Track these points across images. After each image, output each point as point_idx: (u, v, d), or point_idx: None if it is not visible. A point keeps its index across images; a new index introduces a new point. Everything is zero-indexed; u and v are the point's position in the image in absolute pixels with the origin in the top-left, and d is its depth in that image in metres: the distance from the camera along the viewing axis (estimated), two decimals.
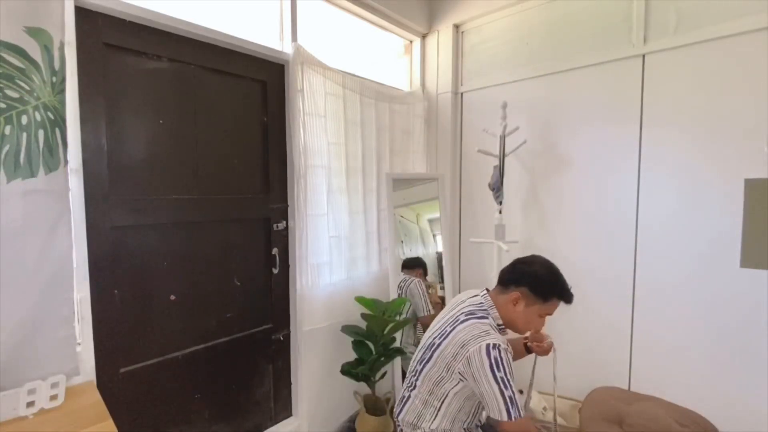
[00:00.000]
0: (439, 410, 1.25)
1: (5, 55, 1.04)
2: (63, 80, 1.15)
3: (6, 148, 1.05)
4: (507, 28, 2.31)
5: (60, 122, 1.14)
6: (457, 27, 2.51)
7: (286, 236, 1.91)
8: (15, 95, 1.06)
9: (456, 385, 1.21)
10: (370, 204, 2.24)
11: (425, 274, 2.41)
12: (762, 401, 1.61)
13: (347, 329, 1.98)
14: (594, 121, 2.00)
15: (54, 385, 1.12)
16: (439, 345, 1.25)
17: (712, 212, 1.69)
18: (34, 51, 1.09)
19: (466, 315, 1.26)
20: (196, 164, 1.59)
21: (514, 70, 2.27)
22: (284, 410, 1.96)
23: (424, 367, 1.28)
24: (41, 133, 1.10)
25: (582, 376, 2.05)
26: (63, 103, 1.15)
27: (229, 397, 1.72)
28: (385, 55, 2.54)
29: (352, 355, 2.00)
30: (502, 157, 2.10)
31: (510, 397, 1.10)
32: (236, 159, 1.72)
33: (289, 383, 1.97)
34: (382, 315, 1.90)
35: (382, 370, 2.00)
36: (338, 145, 2.04)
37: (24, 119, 1.08)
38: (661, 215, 1.82)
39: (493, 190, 2.14)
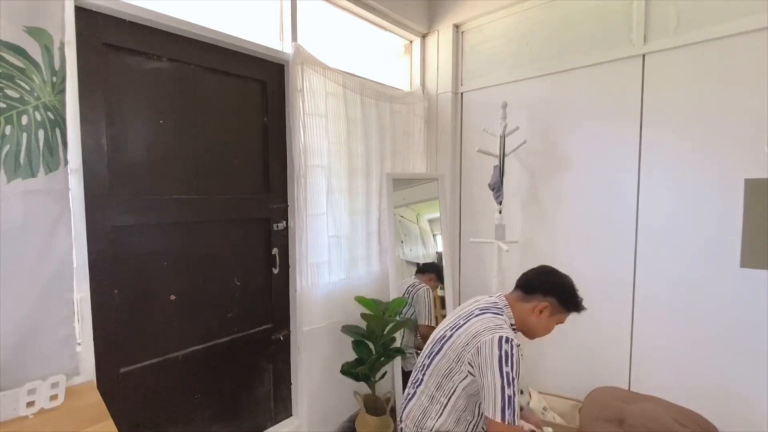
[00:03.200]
0: (445, 407, 1.21)
1: (5, 55, 1.04)
2: (63, 80, 1.15)
3: (6, 148, 1.05)
4: (507, 28, 2.31)
5: (60, 122, 1.14)
6: (457, 27, 2.51)
7: (286, 236, 1.91)
8: (15, 95, 1.06)
9: (464, 378, 1.18)
10: (371, 204, 2.24)
11: (440, 280, 2.40)
12: (762, 401, 1.61)
13: (347, 329, 1.98)
14: (594, 121, 2.00)
15: (54, 385, 1.12)
16: (450, 336, 1.24)
17: (712, 212, 1.69)
18: (35, 51, 1.09)
19: (481, 310, 1.26)
20: (196, 164, 1.59)
21: (514, 70, 2.27)
22: (284, 410, 1.96)
23: (432, 360, 1.26)
24: (41, 133, 1.10)
25: (582, 376, 2.05)
26: (63, 103, 1.15)
27: (229, 397, 1.72)
28: (385, 55, 2.54)
29: (352, 355, 2.00)
30: (502, 157, 2.10)
31: (509, 397, 1.07)
32: (236, 159, 1.72)
33: (289, 383, 1.97)
34: (382, 315, 1.90)
35: (382, 370, 2.00)
36: (338, 145, 2.04)
37: (24, 119, 1.08)
38: (661, 215, 1.82)
39: (493, 190, 2.14)
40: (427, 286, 2.31)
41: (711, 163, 1.69)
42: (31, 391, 1.07)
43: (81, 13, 1.25)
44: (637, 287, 1.90)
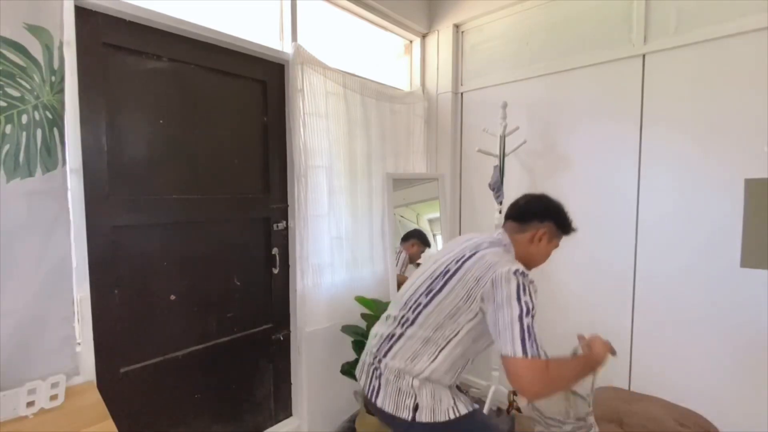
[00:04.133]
0: (442, 350, 1.09)
1: (6, 53, 1.04)
2: (62, 80, 1.15)
3: (6, 147, 1.05)
4: (507, 28, 2.31)
5: (58, 122, 1.14)
6: (457, 27, 2.51)
7: (286, 236, 1.91)
8: (16, 94, 1.06)
9: (472, 319, 1.07)
10: (372, 204, 2.24)
11: (425, 243, 2.41)
12: (762, 401, 1.61)
13: (347, 329, 1.98)
14: (594, 121, 1.99)
15: (54, 385, 1.12)
16: (456, 271, 1.11)
17: (712, 212, 1.69)
18: (35, 49, 1.09)
19: (490, 243, 1.18)
20: (196, 164, 1.59)
21: (514, 70, 2.27)
22: (284, 410, 1.96)
23: (433, 298, 1.12)
24: (39, 132, 1.10)
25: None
26: (62, 102, 1.15)
27: (229, 397, 1.72)
28: (385, 55, 2.54)
29: (352, 355, 2.00)
30: (502, 157, 2.10)
31: (529, 327, 0.95)
32: (236, 159, 1.72)
33: (289, 383, 1.97)
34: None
35: None
36: (339, 145, 2.04)
37: (24, 118, 1.07)
38: (662, 215, 1.82)
39: (493, 190, 2.14)
40: (406, 254, 2.32)
41: (711, 163, 1.69)
42: (31, 391, 1.07)
43: (81, 12, 1.25)
44: (637, 287, 1.90)
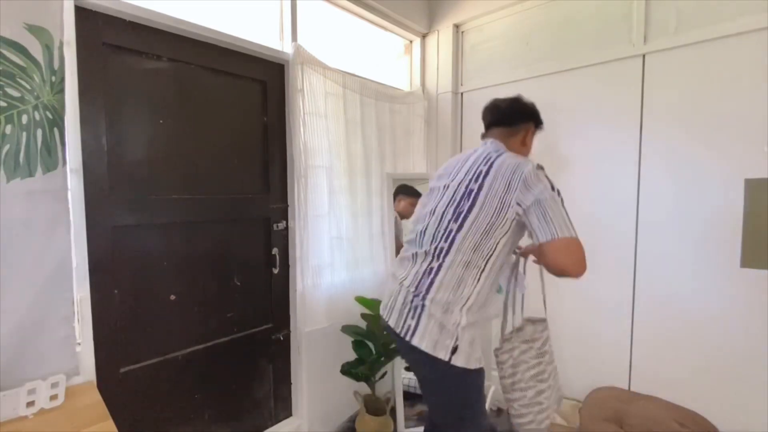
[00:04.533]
0: (483, 270, 1.11)
1: (6, 53, 1.04)
2: (62, 80, 1.15)
3: (6, 147, 1.05)
4: (507, 28, 2.31)
5: (59, 122, 1.14)
6: (457, 27, 2.51)
7: (286, 236, 1.91)
8: (17, 94, 1.06)
9: (507, 231, 1.09)
10: (372, 204, 2.24)
11: (413, 195, 2.36)
12: (762, 401, 1.61)
13: (347, 329, 1.98)
14: (594, 121, 1.99)
15: (54, 385, 1.12)
16: (480, 187, 1.11)
17: (712, 212, 1.69)
18: (35, 49, 1.09)
19: (496, 152, 1.18)
20: (196, 164, 1.59)
21: (515, 70, 2.27)
22: (284, 410, 1.96)
23: (464, 221, 1.11)
24: (39, 132, 1.10)
25: (582, 376, 2.05)
26: (62, 102, 1.15)
27: (229, 397, 1.72)
28: (385, 55, 2.54)
29: (352, 355, 2.00)
30: None
31: (568, 213, 1.06)
32: (236, 159, 1.72)
33: (289, 383, 1.97)
34: None
35: (382, 370, 2.00)
36: (339, 145, 2.04)
37: (24, 118, 1.07)
38: (661, 215, 1.82)
39: None
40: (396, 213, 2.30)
41: (711, 163, 1.69)
42: (31, 391, 1.07)
43: (81, 12, 1.25)
44: (636, 287, 1.90)
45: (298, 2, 1.88)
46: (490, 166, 1.13)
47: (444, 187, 1.21)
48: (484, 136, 1.35)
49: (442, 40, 2.55)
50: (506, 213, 1.08)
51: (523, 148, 1.30)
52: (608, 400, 1.83)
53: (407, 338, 1.13)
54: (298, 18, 1.89)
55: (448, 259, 1.12)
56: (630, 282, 1.91)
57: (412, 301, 1.15)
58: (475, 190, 1.12)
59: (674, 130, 1.77)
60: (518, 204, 1.07)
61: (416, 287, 1.15)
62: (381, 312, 1.28)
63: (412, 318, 1.13)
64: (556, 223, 1.04)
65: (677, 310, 1.79)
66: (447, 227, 1.14)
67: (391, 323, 1.20)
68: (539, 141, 2.14)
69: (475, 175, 1.14)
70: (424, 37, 2.64)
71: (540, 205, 1.05)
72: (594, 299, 2.02)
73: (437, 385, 1.18)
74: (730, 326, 1.67)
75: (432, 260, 1.15)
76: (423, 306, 1.12)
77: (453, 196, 1.17)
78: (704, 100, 1.70)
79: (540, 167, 1.11)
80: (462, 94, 2.55)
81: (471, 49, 2.50)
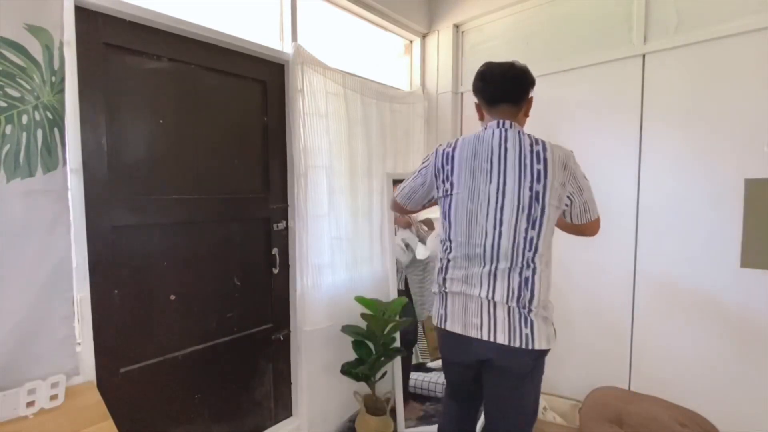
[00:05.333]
0: (549, 262, 1.19)
1: (6, 53, 1.04)
2: (62, 80, 1.15)
3: (6, 147, 1.05)
4: (507, 28, 2.31)
5: (59, 122, 1.14)
6: (457, 27, 2.51)
7: (286, 236, 1.91)
8: (16, 94, 1.06)
9: (557, 220, 1.20)
10: (372, 204, 2.24)
11: None
12: (762, 401, 1.61)
13: (347, 329, 1.98)
14: (594, 121, 2.00)
15: (54, 385, 1.12)
16: (545, 188, 1.12)
17: (712, 212, 1.69)
18: (35, 50, 1.09)
19: (531, 141, 1.18)
20: (196, 164, 1.59)
21: None
22: (284, 410, 1.96)
23: (541, 226, 1.13)
24: (39, 132, 1.10)
25: (582, 376, 2.05)
26: (62, 103, 1.15)
27: (229, 397, 1.72)
28: (385, 55, 2.54)
29: (352, 355, 2.00)
30: None
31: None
32: (236, 159, 1.72)
33: (289, 383, 1.97)
34: (382, 315, 1.90)
35: (382, 370, 2.00)
36: (339, 144, 2.03)
37: (24, 119, 1.07)
38: (661, 215, 1.82)
39: None
40: (398, 226, 2.30)
41: (711, 163, 1.69)
42: (31, 391, 1.07)
43: (81, 13, 1.25)
44: (637, 287, 1.90)
45: (298, 2, 1.88)
46: (545, 162, 1.13)
47: (498, 191, 1.16)
48: (490, 111, 1.28)
49: (442, 40, 2.55)
50: (562, 205, 1.18)
51: (525, 119, 1.33)
52: (608, 400, 1.83)
53: (527, 346, 1.13)
54: (298, 18, 1.89)
55: (537, 266, 1.15)
56: (630, 282, 1.91)
57: (519, 315, 1.15)
58: (541, 191, 1.13)
59: (674, 130, 1.77)
60: (569, 196, 1.18)
61: (517, 301, 1.14)
62: (449, 327, 1.25)
63: (526, 327, 1.14)
64: (593, 205, 1.23)
65: (677, 310, 1.79)
66: (526, 236, 1.14)
67: (496, 339, 1.16)
68: None
69: (535, 176, 1.13)
70: (424, 37, 2.64)
71: (583, 193, 1.20)
72: (594, 299, 2.02)
73: (529, 381, 1.20)
74: (729, 326, 1.67)
75: (522, 270, 1.15)
76: (533, 314, 1.14)
77: (519, 203, 1.14)
78: (704, 100, 1.70)
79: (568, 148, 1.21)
80: (462, 94, 2.55)
81: (471, 49, 2.50)
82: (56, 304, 1.15)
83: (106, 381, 1.34)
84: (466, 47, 2.52)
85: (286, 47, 1.85)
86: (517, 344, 1.13)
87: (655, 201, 1.83)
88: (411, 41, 2.67)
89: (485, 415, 1.30)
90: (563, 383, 2.13)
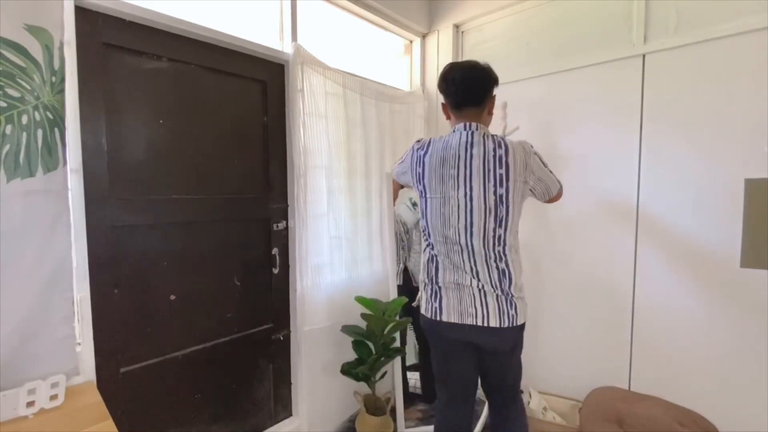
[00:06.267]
0: (518, 249, 1.33)
1: (6, 53, 1.04)
2: (62, 80, 1.15)
3: (6, 147, 1.05)
4: (507, 28, 2.31)
5: (59, 122, 1.14)
6: (457, 27, 2.51)
7: (286, 236, 1.91)
8: (16, 94, 1.06)
9: (521, 209, 1.31)
10: (371, 204, 2.24)
11: None
12: (762, 401, 1.61)
13: (347, 329, 1.98)
14: (594, 121, 1.99)
15: (54, 385, 1.12)
16: (507, 191, 1.25)
17: (712, 212, 1.69)
18: (35, 50, 1.09)
19: (494, 144, 1.27)
20: (196, 164, 1.59)
21: (515, 69, 2.27)
22: (284, 410, 1.96)
23: (507, 222, 1.27)
24: (39, 132, 1.10)
25: (582, 376, 2.05)
26: (62, 103, 1.15)
27: (229, 397, 1.72)
28: (385, 55, 2.54)
29: (352, 355, 2.00)
30: None
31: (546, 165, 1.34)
32: (236, 159, 1.72)
33: (289, 383, 1.97)
34: (382, 315, 1.90)
35: (382, 370, 2.00)
36: (339, 144, 2.03)
37: (24, 119, 1.08)
38: (661, 215, 1.82)
39: None
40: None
41: (711, 163, 1.69)
42: (31, 391, 1.07)
43: (81, 13, 1.25)
44: (637, 287, 1.90)
45: (298, 2, 1.88)
46: (506, 167, 1.24)
47: (465, 196, 1.28)
48: (456, 114, 1.38)
49: (442, 40, 2.55)
50: (526, 196, 1.31)
51: (490, 117, 1.40)
52: (608, 400, 1.83)
53: (513, 324, 1.29)
54: (298, 18, 1.89)
55: (508, 256, 1.29)
56: (630, 282, 1.91)
57: (505, 300, 1.30)
58: (504, 194, 1.25)
59: (674, 129, 1.77)
60: (531, 189, 1.32)
61: (501, 289, 1.29)
62: (444, 318, 1.36)
63: (511, 308, 1.29)
64: (554, 179, 1.37)
65: (677, 310, 1.79)
66: (495, 234, 1.27)
67: (489, 324, 1.30)
68: (539, 140, 2.16)
69: (498, 180, 1.25)
70: (424, 37, 2.64)
71: (542, 182, 1.33)
72: (594, 299, 2.02)
73: (518, 348, 1.40)
74: (729, 326, 1.67)
75: (497, 263, 1.29)
76: (514, 298, 1.30)
77: (486, 206, 1.26)
78: (704, 100, 1.70)
79: (527, 144, 1.32)
80: None
81: (471, 49, 2.50)
82: (56, 304, 1.15)
83: (106, 381, 1.34)
84: (466, 47, 2.52)
85: (286, 47, 1.85)
86: (506, 324, 1.29)
87: (655, 200, 1.83)
88: (411, 41, 2.67)
89: (486, 383, 1.48)
90: (563, 383, 2.13)
